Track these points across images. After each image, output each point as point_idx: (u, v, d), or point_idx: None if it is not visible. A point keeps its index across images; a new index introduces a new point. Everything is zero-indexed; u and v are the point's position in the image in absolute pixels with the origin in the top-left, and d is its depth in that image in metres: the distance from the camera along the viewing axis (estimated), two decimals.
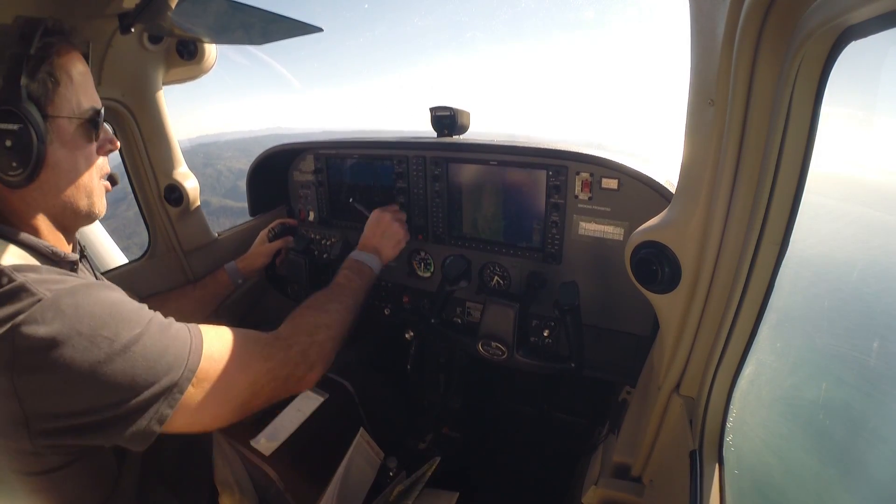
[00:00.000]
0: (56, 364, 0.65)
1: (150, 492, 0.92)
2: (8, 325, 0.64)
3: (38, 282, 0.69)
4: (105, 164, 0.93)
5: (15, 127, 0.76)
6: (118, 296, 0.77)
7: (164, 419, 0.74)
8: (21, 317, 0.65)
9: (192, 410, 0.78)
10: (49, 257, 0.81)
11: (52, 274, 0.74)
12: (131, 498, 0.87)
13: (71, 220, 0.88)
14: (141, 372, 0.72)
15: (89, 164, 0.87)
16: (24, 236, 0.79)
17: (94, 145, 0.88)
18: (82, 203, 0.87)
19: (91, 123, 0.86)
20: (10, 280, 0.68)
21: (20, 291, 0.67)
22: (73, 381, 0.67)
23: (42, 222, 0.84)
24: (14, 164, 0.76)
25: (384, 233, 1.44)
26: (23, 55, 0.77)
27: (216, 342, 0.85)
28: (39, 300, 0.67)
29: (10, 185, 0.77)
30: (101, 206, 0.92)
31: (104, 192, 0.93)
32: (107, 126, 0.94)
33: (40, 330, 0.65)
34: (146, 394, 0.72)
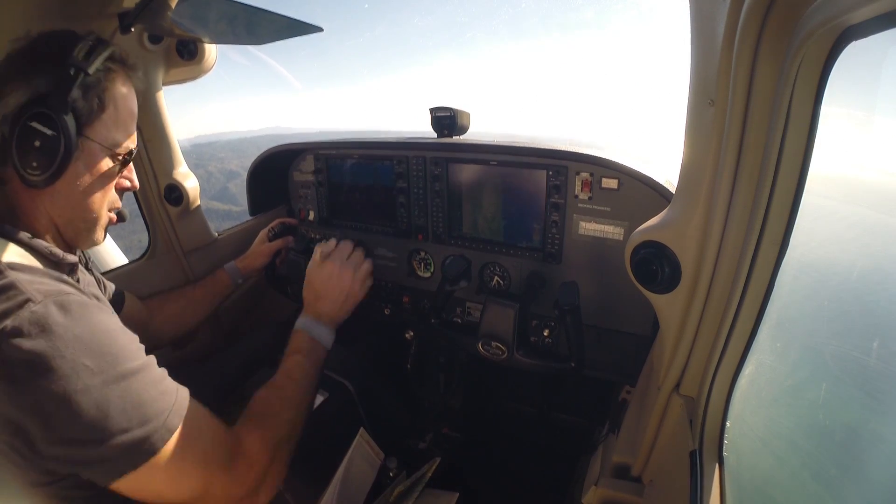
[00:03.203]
0: (32, 384, 0.64)
1: None
2: None
3: (29, 281, 0.69)
4: (117, 199, 0.94)
5: (48, 132, 0.78)
6: (112, 324, 0.74)
7: (118, 476, 0.69)
8: (8, 322, 0.64)
9: (142, 480, 0.72)
10: (46, 257, 0.82)
11: (46, 277, 0.73)
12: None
13: (71, 237, 0.88)
14: (113, 415, 0.67)
15: (104, 193, 0.89)
16: (24, 235, 0.80)
17: (115, 179, 0.90)
18: (83, 226, 0.88)
19: (119, 160, 0.89)
20: (2, 276, 0.68)
21: (8, 289, 0.66)
22: (43, 405, 0.64)
23: (45, 226, 0.85)
24: (34, 164, 0.78)
25: (326, 287, 1.11)
26: (80, 70, 0.80)
27: (187, 429, 0.78)
28: (28, 300, 0.66)
29: (24, 181, 0.79)
30: (100, 236, 0.93)
31: (108, 223, 0.94)
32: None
33: (25, 344, 0.64)
34: (112, 442, 0.67)
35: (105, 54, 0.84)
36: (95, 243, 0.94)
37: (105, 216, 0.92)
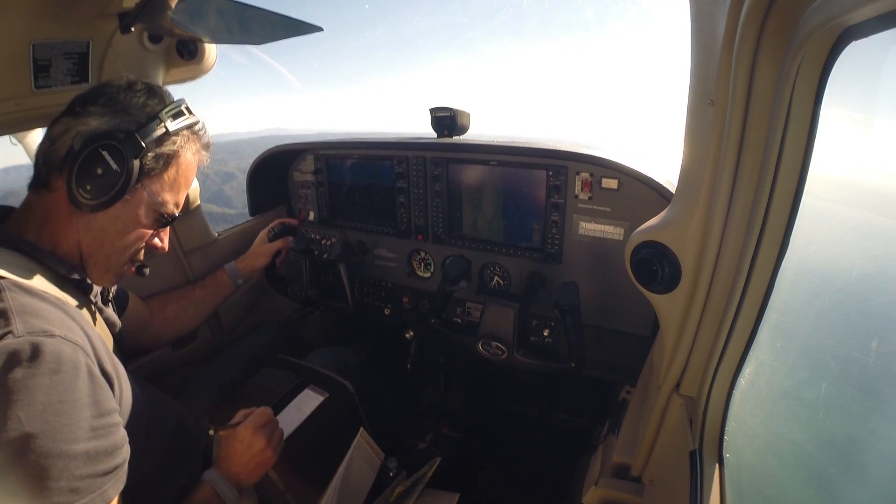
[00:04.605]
0: None
1: (148, 487, 0.92)
2: None
3: (22, 311, 0.69)
4: (142, 253, 0.95)
5: (113, 166, 0.82)
6: (75, 395, 0.70)
7: None
8: None
9: None
10: (50, 267, 0.82)
11: (46, 304, 0.74)
12: (147, 488, 0.87)
13: (87, 266, 0.89)
14: (7, 479, 0.63)
15: (134, 242, 0.91)
16: (34, 249, 0.81)
17: (149, 233, 0.93)
18: (102, 264, 0.90)
19: (159, 216, 0.92)
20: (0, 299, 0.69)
21: None
22: None
23: (70, 245, 0.86)
24: (88, 188, 0.82)
25: (238, 450, 1.07)
26: (164, 127, 0.86)
27: None
28: (9, 332, 0.66)
29: (71, 198, 0.81)
30: (111, 280, 0.94)
31: (125, 272, 0.94)
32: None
33: None
34: None
35: (189, 122, 0.91)
36: (103, 284, 0.95)
37: (124, 264, 0.93)
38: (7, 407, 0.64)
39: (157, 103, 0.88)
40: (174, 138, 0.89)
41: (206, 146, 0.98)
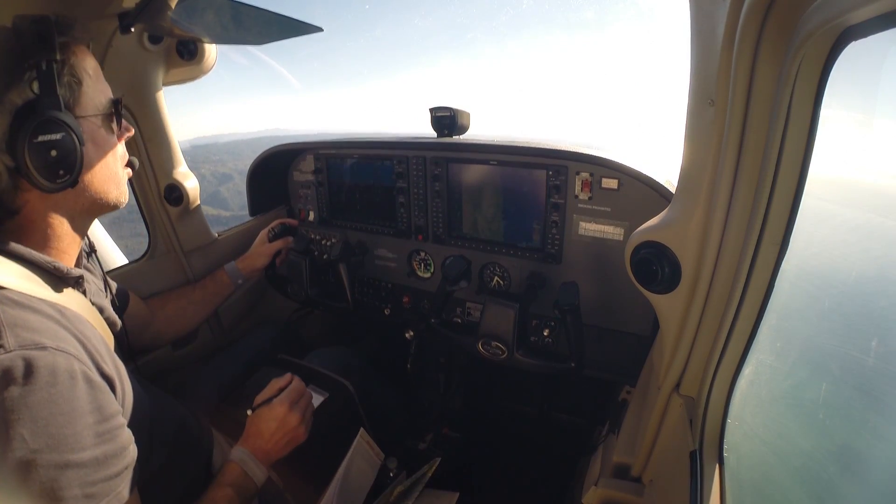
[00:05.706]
0: None
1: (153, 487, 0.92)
2: None
3: (12, 324, 0.67)
4: (124, 151, 0.93)
5: (58, 136, 0.76)
6: (74, 405, 0.69)
7: None
8: None
9: None
10: (51, 272, 0.80)
11: (39, 316, 0.72)
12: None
13: (96, 213, 0.88)
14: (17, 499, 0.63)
15: (115, 155, 0.89)
16: (28, 252, 0.78)
17: (115, 136, 0.89)
18: (112, 195, 0.89)
19: (110, 116, 0.87)
20: None
21: None
22: None
23: (59, 226, 0.83)
24: (61, 172, 0.77)
25: (271, 427, 1.07)
26: (52, 61, 0.75)
27: None
28: (0, 346, 0.65)
29: (54, 191, 0.78)
30: (126, 194, 0.93)
31: (126, 179, 0.94)
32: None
33: None
34: None
35: (55, 31, 0.76)
36: (124, 203, 0.93)
37: (123, 174, 0.92)
38: (9, 427, 0.63)
39: (19, 51, 0.74)
40: (61, 62, 0.78)
41: (73, 26, 0.84)
